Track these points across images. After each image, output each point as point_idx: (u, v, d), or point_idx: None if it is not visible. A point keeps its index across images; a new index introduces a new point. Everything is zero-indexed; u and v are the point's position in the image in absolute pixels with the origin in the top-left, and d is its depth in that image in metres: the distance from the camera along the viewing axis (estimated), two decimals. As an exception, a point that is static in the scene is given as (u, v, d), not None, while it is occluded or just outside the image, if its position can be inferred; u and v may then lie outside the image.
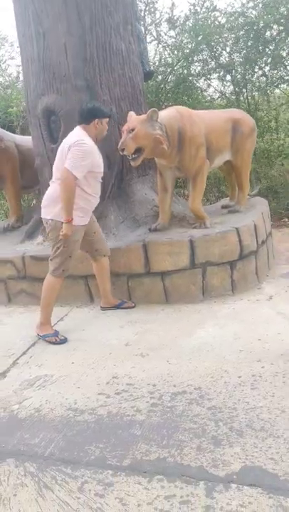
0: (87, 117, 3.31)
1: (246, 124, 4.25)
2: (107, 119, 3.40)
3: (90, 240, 3.58)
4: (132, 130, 3.42)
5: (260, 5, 6.36)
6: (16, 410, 2.56)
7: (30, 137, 5.38)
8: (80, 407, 2.52)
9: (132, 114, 3.61)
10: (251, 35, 6.36)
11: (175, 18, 7.71)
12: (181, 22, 7.77)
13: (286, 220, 6.60)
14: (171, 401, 2.46)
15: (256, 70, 7.05)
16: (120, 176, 4.31)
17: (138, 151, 3.50)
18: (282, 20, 5.88)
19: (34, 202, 7.08)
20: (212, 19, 7.55)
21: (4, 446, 2.26)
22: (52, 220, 3.36)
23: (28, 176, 5.15)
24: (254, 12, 6.48)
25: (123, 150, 3.44)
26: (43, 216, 3.48)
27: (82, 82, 4.05)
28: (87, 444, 2.20)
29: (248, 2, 6.55)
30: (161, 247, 3.75)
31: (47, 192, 3.44)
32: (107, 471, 2.01)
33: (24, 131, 6.49)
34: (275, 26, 6.21)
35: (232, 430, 2.17)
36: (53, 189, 3.37)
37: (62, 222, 3.28)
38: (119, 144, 3.45)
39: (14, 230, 5.00)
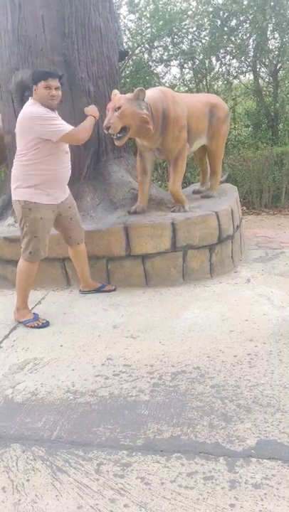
0: (33, 82, 3.14)
1: (222, 109, 4.28)
2: (55, 80, 3.10)
3: (65, 226, 3.44)
4: (118, 108, 3.33)
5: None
6: (10, 395, 2.45)
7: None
8: (78, 389, 2.45)
9: (116, 92, 3.52)
10: (218, 24, 6.37)
11: (136, 1, 7.61)
12: (140, 7, 7.68)
13: (244, 208, 6.76)
14: (173, 380, 2.45)
15: (219, 58, 7.11)
16: (96, 157, 4.20)
17: (123, 130, 3.41)
18: (250, 11, 5.95)
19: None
20: (172, 5, 7.54)
21: (6, 432, 2.16)
22: (13, 201, 3.24)
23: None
24: (220, 0, 6.51)
25: (108, 128, 3.34)
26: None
27: (59, 57, 3.88)
28: (94, 426, 2.15)
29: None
30: (143, 229, 3.70)
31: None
32: (121, 452, 1.97)
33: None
34: (241, 17, 6.28)
35: (239, 407, 2.20)
36: (12, 170, 3.25)
37: (24, 201, 3.15)
38: (105, 121, 3.35)
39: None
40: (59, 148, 3.17)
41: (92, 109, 3.37)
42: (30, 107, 3.09)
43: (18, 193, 3.19)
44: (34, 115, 3.02)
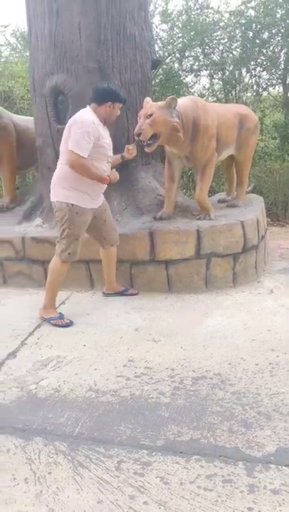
0: (101, 97, 3.22)
1: (252, 121, 4.31)
2: (120, 105, 3.33)
3: (100, 228, 3.52)
4: (150, 116, 3.39)
5: (262, 7, 6.40)
6: (34, 390, 2.50)
7: (27, 117, 5.28)
8: (100, 388, 2.49)
9: (148, 99, 3.59)
10: (250, 36, 6.41)
11: (169, 11, 7.70)
12: (173, 17, 7.76)
13: (268, 219, 6.74)
14: (194, 385, 2.47)
15: (249, 70, 7.14)
16: (125, 163, 4.24)
17: (153, 137, 3.47)
18: (282, 24, 5.97)
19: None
20: (204, 16, 7.60)
21: (29, 425, 2.21)
22: (57, 201, 3.30)
23: (23, 156, 5.03)
24: (253, 12, 6.56)
25: (139, 135, 3.40)
26: (51, 198, 3.40)
27: (94, 64, 3.97)
28: (116, 425, 2.18)
29: (250, 1, 6.56)
30: (168, 235, 3.75)
31: (54, 174, 3.36)
32: (142, 451, 2.00)
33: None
34: (274, 30, 6.30)
35: (260, 414, 2.21)
36: (59, 171, 3.31)
37: (72, 204, 3.25)
38: (136, 128, 3.41)
39: (8, 211, 4.86)
40: (106, 155, 3.30)
41: (112, 175, 3.40)
42: (86, 114, 3.18)
43: (66, 195, 3.25)
44: (83, 121, 3.10)
